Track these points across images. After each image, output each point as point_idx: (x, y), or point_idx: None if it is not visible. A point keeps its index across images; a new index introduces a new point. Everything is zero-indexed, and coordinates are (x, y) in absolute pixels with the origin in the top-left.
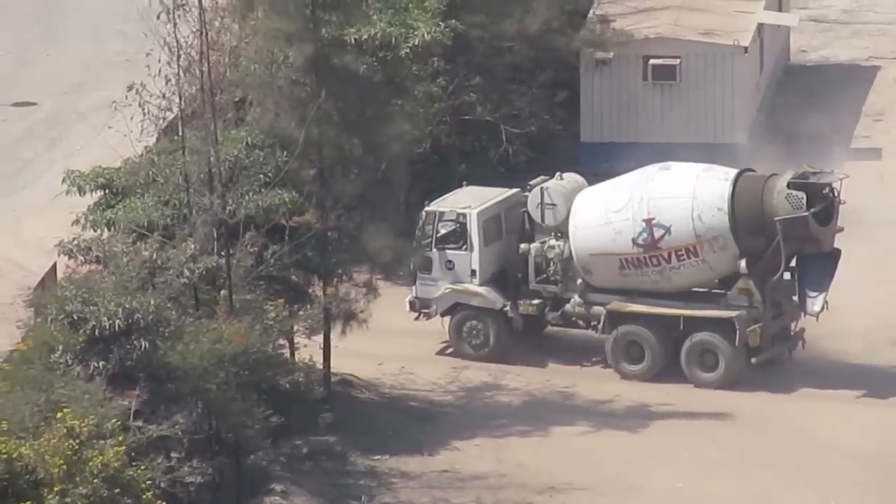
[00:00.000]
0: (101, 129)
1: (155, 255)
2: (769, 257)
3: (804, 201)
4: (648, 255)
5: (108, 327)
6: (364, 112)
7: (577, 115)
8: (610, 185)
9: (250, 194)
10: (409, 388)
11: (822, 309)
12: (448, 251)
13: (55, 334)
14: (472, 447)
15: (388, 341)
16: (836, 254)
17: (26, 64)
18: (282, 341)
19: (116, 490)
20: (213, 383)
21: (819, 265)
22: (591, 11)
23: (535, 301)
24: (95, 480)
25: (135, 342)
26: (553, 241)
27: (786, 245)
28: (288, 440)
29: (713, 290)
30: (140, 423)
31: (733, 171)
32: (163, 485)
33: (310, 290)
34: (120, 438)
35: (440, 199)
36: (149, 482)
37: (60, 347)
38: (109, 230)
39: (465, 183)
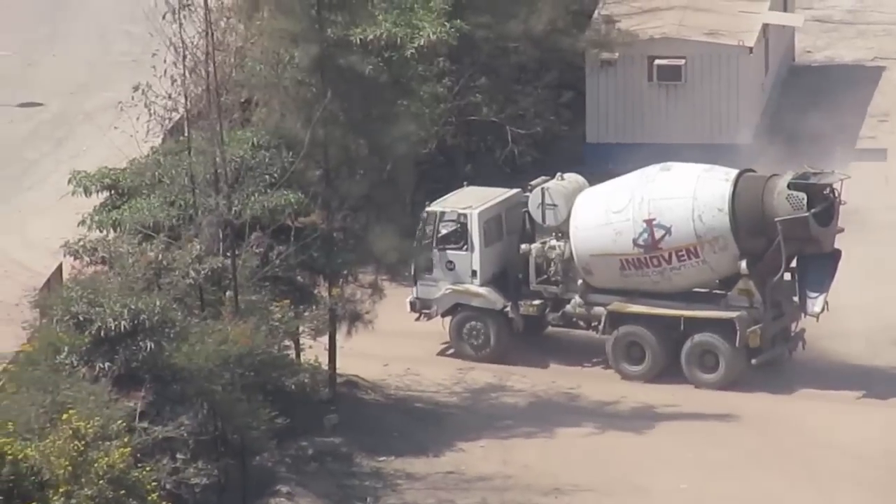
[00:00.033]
0: (107, 130)
1: (160, 255)
2: (770, 258)
3: (805, 202)
4: (649, 256)
5: (113, 328)
6: (370, 112)
7: (582, 116)
8: (611, 185)
9: (256, 195)
10: (414, 390)
11: (823, 310)
12: (449, 251)
13: (61, 335)
14: (478, 448)
15: (394, 342)
16: (836, 254)
17: (32, 64)
18: (287, 342)
19: (122, 491)
20: (218, 384)
21: (819, 266)
22: (596, 12)
23: (536, 301)
24: (101, 482)
25: (140, 343)
26: (554, 242)
27: (786, 246)
28: (293, 441)
29: (714, 291)
30: (145, 425)
31: (734, 172)
32: (168, 486)
33: (315, 291)
34: (125, 440)
35: (441, 199)
36: (154, 483)
37: (66, 349)
38: (115, 231)
39: (465, 183)
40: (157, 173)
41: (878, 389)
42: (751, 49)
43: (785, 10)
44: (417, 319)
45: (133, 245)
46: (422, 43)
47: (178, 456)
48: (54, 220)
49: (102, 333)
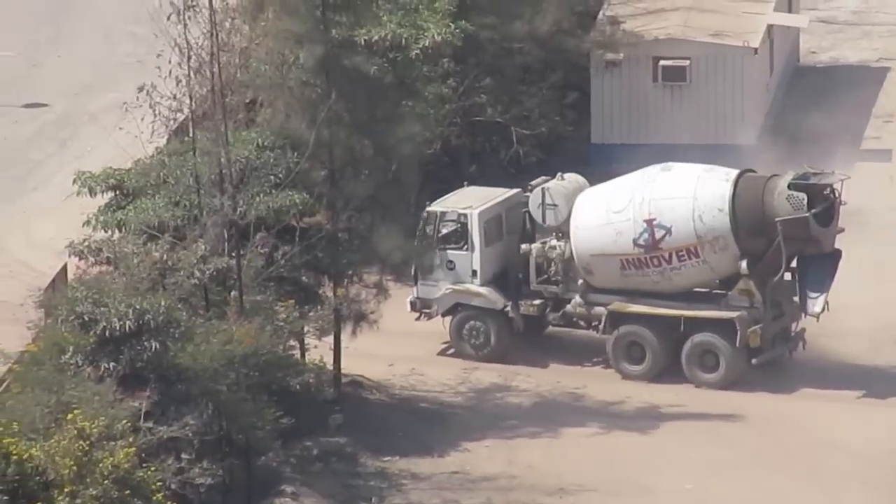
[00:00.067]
0: (112, 131)
1: (165, 256)
2: (770, 258)
3: (805, 202)
4: (649, 256)
5: (118, 328)
6: (374, 113)
7: (587, 117)
8: (611, 185)
9: (261, 195)
10: (419, 390)
11: (823, 310)
12: (449, 251)
13: (66, 335)
14: (483, 448)
15: (399, 342)
16: (836, 254)
17: (37, 65)
18: (292, 342)
19: (127, 491)
20: (223, 384)
21: (820, 266)
22: (601, 13)
23: (537, 301)
24: (106, 482)
25: (145, 343)
26: (554, 242)
27: (786, 246)
28: (298, 441)
29: (714, 291)
30: (150, 425)
31: (734, 172)
32: (173, 486)
33: (320, 292)
34: (130, 440)
35: (441, 199)
36: (159, 483)
37: (71, 348)
38: (120, 231)
39: (465, 183)
40: (161, 174)
41: (880, 389)
42: (756, 50)
43: (790, 10)
44: (418, 319)
45: (138, 245)
46: (427, 44)
47: (183, 456)
48: (59, 220)
49: (107, 333)
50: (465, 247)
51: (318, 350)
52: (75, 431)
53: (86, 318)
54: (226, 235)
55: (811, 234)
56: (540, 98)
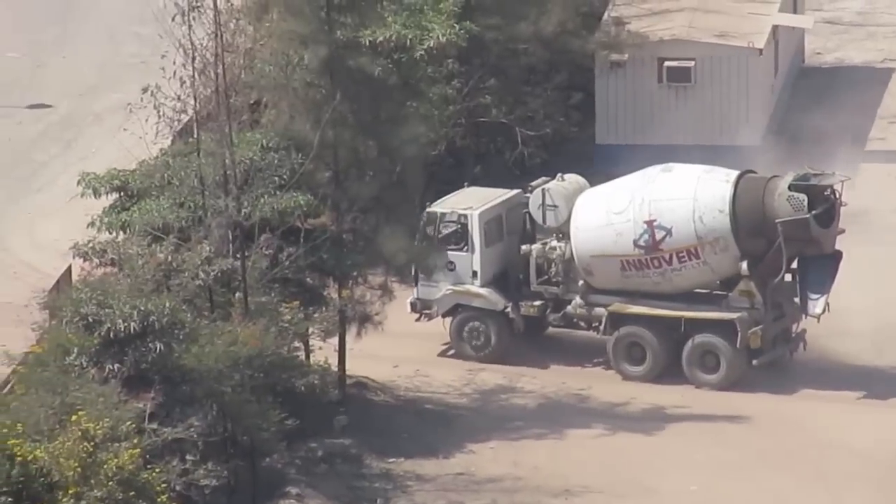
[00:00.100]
0: (116, 132)
1: (170, 257)
2: (770, 259)
3: (805, 203)
4: (650, 257)
5: (123, 330)
6: (379, 114)
7: (592, 117)
8: (611, 186)
9: (265, 197)
10: (424, 391)
11: (824, 311)
12: (449, 252)
13: (70, 337)
14: (488, 450)
15: (404, 344)
16: (837, 255)
17: (41, 66)
18: (297, 344)
19: (131, 493)
20: (228, 386)
21: (820, 267)
22: (605, 13)
23: (537, 302)
24: (110, 483)
25: (150, 345)
26: (554, 243)
27: (787, 247)
28: (303, 443)
29: (714, 292)
30: (155, 426)
31: (734, 173)
32: (178, 487)
33: (325, 293)
34: (135, 441)
35: (441, 199)
36: (164, 485)
37: (75, 350)
38: (124, 232)
39: (465, 184)
40: (166, 175)
41: (881, 390)
42: (760, 51)
43: (795, 11)
44: (418, 320)
45: (142, 247)
46: (431, 45)
47: (188, 457)
48: (63, 221)
49: (112, 335)
50: (466, 248)
51: (323, 351)
52: (80, 433)
53: (90, 320)
54: (230, 237)
55: (812, 235)
56: (545, 99)
